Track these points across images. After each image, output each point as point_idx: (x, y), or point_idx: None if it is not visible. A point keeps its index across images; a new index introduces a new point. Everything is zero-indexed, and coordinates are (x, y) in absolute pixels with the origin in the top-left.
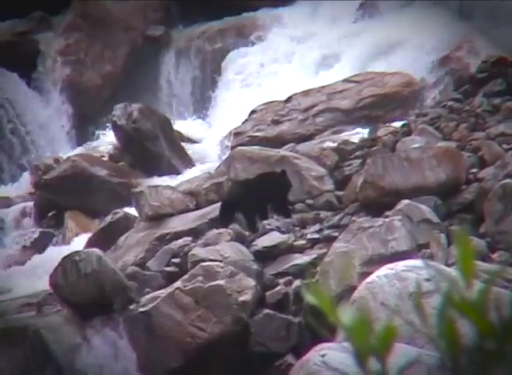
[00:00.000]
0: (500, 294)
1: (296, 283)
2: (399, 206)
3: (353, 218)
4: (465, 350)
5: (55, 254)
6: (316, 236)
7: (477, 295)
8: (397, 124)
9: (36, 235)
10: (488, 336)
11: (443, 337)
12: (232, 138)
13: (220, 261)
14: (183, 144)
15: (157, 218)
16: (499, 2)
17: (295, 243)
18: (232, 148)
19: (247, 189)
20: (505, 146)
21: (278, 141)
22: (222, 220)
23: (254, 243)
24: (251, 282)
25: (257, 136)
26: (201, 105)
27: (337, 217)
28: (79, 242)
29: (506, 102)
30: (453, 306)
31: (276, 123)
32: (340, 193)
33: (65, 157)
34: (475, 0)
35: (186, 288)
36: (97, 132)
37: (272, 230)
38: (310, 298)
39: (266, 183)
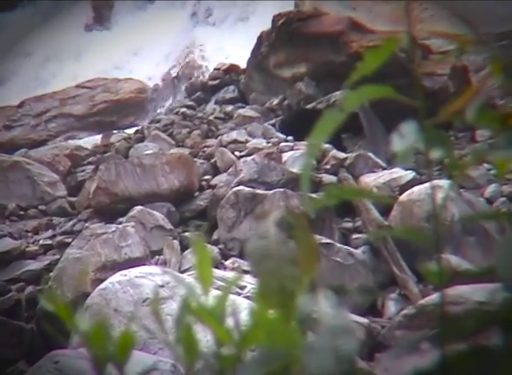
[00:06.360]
0: (235, 300)
1: (29, 289)
2: (132, 213)
3: (87, 224)
4: (202, 356)
5: None
6: (49, 242)
7: (214, 302)
8: (130, 130)
9: None
10: (225, 342)
11: (180, 343)
12: None
13: None
14: None
15: None
16: (236, 2)
17: (27, 249)
18: None
19: None
20: (237, 153)
21: (10, 147)
22: None
23: None
24: None
25: None
26: None
27: (70, 223)
28: None
29: (238, 109)
30: (191, 312)
31: (8, 128)
32: (74, 199)
33: None
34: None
35: None
36: None
37: (4, 235)
38: (44, 305)
39: None
